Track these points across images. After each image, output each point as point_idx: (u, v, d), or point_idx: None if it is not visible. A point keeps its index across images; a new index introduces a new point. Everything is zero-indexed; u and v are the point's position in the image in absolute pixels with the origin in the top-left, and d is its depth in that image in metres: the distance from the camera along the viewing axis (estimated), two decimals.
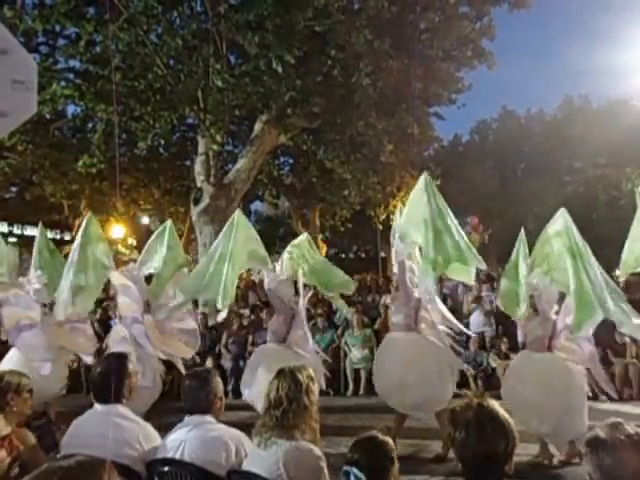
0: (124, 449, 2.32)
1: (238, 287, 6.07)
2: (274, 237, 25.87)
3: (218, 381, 2.54)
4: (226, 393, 5.65)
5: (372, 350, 7.27)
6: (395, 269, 4.95)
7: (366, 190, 12.30)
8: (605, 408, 5.63)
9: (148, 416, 3.44)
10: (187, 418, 2.43)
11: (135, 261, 5.56)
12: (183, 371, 5.38)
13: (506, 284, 4.69)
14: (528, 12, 10.96)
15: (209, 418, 2.42)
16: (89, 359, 5.49)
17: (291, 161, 15.91)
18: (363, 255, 28.52)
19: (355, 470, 1.80)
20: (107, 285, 6.27)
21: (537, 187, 21.00)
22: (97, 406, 2.49)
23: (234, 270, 4.67)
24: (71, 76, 9.67)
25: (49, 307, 5.41)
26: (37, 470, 1.16)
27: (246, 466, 2.24)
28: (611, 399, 4.82)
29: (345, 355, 7.68)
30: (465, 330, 5.25)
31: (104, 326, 7.86)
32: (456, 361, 4.77)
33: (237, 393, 6.47)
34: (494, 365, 7.14)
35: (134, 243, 20.34)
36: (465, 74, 12.24)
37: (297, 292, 5.04)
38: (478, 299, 8.49)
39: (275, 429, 2.15)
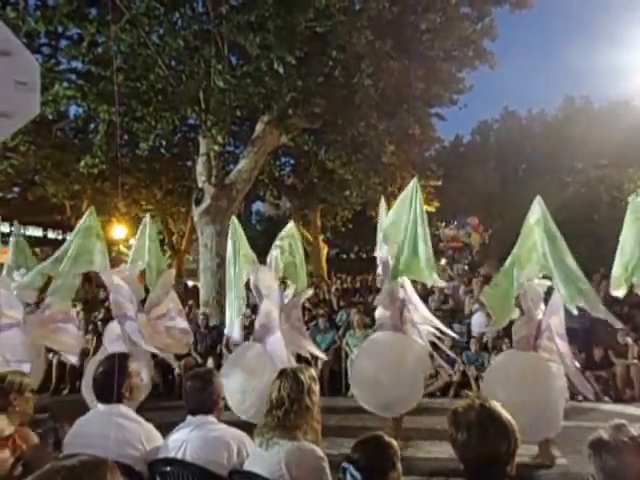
0: (126, 449, 2.32)
1: None
2: (275, 237, 25.90)
3: (220, 381, 2.56)
4: None
5: None
6: (380, 270, 4.99)
7: (367, 191, 12.31)
8: (608, 409, 5.63)
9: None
10: (189, 418, 2.44)
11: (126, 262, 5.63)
12: (177, 369, 5.43)
13: (500, 282, 4.69)
14: (529, 12, 10.96)
15: (211, 418, 2.42)
16: (74, 359, 5.50)
17: (292, 162, 15.93)
18: (364, 256, 28.52)
19: (352, 468, 1.80)
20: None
21: (538, 188, 20.85)
22: (99, 406, 2.50)
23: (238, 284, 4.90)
24: (73, 77, 9.68)
25: (34, 306, 5.43)
26: (40, 470, 1.16)
27: (248, 466, 2.24)
28: (589, 399, 4.84)
29: (346, 356, 7.68)
30: (448, 331, 5.28)
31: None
32: (428, 365, 4.80)
33: None
34: None
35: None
36: (466, 75, 12.24)
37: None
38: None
39: (277, 429, 2.15)
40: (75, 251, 5.15)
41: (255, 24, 8.35)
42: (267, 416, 2.21)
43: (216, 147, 9.60)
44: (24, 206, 16.67)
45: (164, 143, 12.26)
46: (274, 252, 5.15)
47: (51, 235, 18.66)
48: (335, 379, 7.54)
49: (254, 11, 8.27)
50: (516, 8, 10.85)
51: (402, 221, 4.70)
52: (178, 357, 7.75)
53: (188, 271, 19.71)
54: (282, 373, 2.29)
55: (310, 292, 5.72)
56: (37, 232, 18.21)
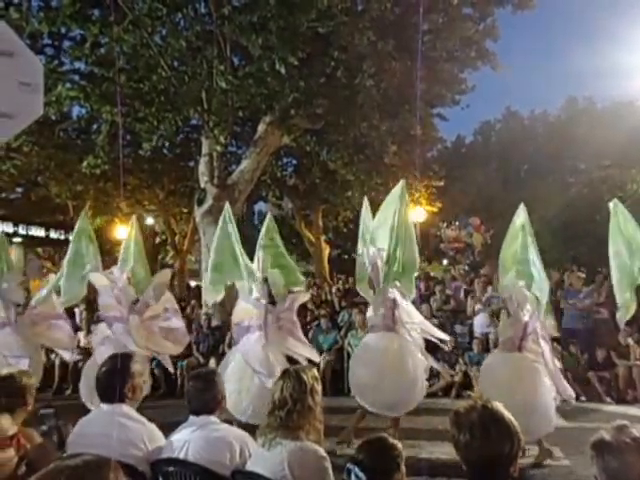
0: (129, 449, 2.33)
1: None
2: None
3: (222, 381, 2.57)
4: None
5: None
6: (369, 271, 5.00)
7: (369, 191, 12.27)
8: (611, 410, 5.63)
9: None
10: (192, 418, 2.44)
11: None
12: (171, 369, 5.43)
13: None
14: (532, 13, 10.92)
15: (213, 418, 2.43)
16: (67, 355, 5.52)
17: (294, 162, 15.94)
18: None
19: (357, 470, 1.80)
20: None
21: (541, 188, 20.93)
22: (102, 406, 2.50)
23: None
24: (76, 78, 9.71)
25: (23, 307, 5.45)
26: (44, 469, 1.16)
27: (250, 466, 2.24)
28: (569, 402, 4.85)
29: (349, 356, 7.67)
30: (438, 333, 5.29)
31: None
32: (424, 362, 4.78)
33: None
34: None
35: None
36: (468, 75, 12.22)
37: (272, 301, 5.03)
38: (486, 300, 8.46)
39: (280, 429, 2.15)
40: (72, 255, 5.22)
41: (257, 25, 8.36)
42: (270, 416, 2.21)
43: (218, 147, 9.61)
44: (27, 206, 16.73)
45: (166, 144, 12.28)
46: (259, 253, 5.16)
47: (53, 235, 18.69)
48: (337, 379, 7.55)
49: (256, 12, 8.28)
50: (518, 9, 10.82)
51: (388, 224, 4.72)
52: (182, 357, 7.82)
53: (190, 271, 19.74)
54: (285, 373, 2.29)
55: (307, 295, 5.70)
56: (40, 232, 18.26)
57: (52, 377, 7.75)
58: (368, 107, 9.54)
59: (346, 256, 29.42)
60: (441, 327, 8.14)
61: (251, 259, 5.13)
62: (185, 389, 2.57)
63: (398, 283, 4.74)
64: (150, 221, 19.38)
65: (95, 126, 12.30)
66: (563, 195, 19.39)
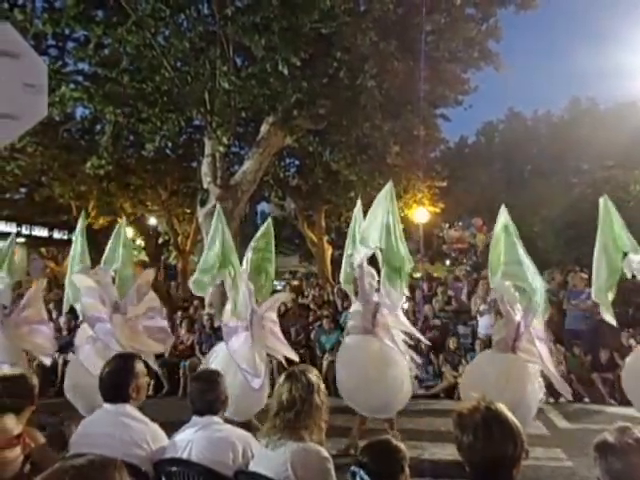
0: (132, 449, 2.34)
1: None
2: (280, 238, 25.88)
3: (225, 381, 2.57)
4: None
5: None
6: (356, 273, 5.00)
7: (372, 192, 12.27)
8: (614, 412, 5.60)
9: None
10: (195, 418, 2.45)
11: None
12: (156, 368, 5.45)
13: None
14: (534, 13, 10.90)
15: (216, 419, 2.44)
16: (48, 360, 5.53)
17: (297, 163, 15.96)
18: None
19: (362, 473, 1.80)
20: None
21: (544, 189, 20.89)
22: (106, 405, 2.51)
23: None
24: (80, 79, 9.74)
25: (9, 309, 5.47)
26: (50, 469, 1.17)
27: (253, 467, 2.25)
28: (568, 399, 4.84)
29: None
30: (421, 338, 5.26)
31: None
32: (406, 364, 4.77)
33: None
34: None
35: (142, 244, 20.46)
36: (471, 75, 12.21)
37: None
38: (491, 301, 8.43)
39: (285, 430, 2.15)
40: (73, 254, 5.31)
41: (260, 25, 8.37)
42: (275, 417, 2.20)
43: (221, 148, 9.63)
44: (31, 206, 16.79)
45: (169, 144, 12.32)
46: (248, 253, 5.18)
47: (57, 235, 18.78)
48: None
49: (259, 13, 8.30)
50: (521, 9, 10.80)
51: (380, 223, 4.72)
52: (185, 357, 7.83)
53: (193, 272, 19.72)
54: (292, 375, 2.27)
55: (288, 296, 5.73)
56: (43, 232, 18.35)
57: (56, 377, 7.75)
58: (371, 107, 9.54)
59: None
60: (444, 328, 8.19)
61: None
62: (188, 390, 2.57)
63: (388, 285, 4.72)
64: (153, 221, 19.45)
65: (99, 127, 12.35)
66: (566, 196, 19.32)
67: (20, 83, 2.46)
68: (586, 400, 6.56)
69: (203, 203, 9.98)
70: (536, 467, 4.26)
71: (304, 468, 2.07)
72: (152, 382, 7.13)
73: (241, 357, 4.54)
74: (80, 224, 5.66)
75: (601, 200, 4.61)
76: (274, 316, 5.10)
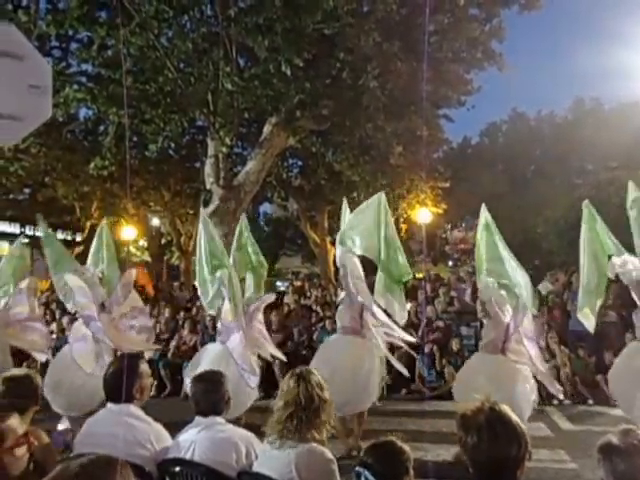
0: (136, 449, 2.34)
1: None
2: (282, 239, 25.92)
3: (227, 382, 2.57)
4: None
5: None
6: (341, 273, 5.03)
7: (375, 192, 12.26)
8: (618, 414, 5.56)
9: None
10: (198, 418, 2.45)
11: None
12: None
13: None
14: (538, 13, 10.90)
15: (219, 419, 2.44)
16: (43, 357, 5.52)
17: (300, 163, 15.98)
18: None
19: (367, 473, 1.79)
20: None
21: (547, 190, 20.83)
22: (110, 405, 2.52)
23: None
24: (83, 80, 9.80)
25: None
26: (55, 470, 1.18)
27: (257, 467, 2.25)
28: (559, 399, 4.81)
29: None
30: (407, 337, 5.25)
31: None
32: (382, 369, 4.76)
33: None
34: None
35: (145, 244, 20.52)
36: (474, 76, 12.21)
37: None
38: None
39: (295, 430, 2.15)
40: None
41: (263, 27, 8.40)
42: (284, 416, 2.19)
43: (224, 149, 9.66)
44: (34, 207, 16.85)
45: (173, 145, 12.37)
46: (235, 254, 5.22)
47: (60, 236, 18.85)
48: None
49: (262, 14, 8.32)
50: (524, 9, 10.80)
51: (372, 232, 4.79)
52: (187, 358, 7.83)
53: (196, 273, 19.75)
54: (298, 376, 2.27)
55: (272, 297, 5.76)
56: None
57: None
58: (374, 108, 9.55)
59: None
60: (447, 329, 8.17)
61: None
62: (191, 391, 2.57)
63: (390, 297, 4.74)
64: (156, 222, 19.49)
65: (102, 128, 12.41)
66: (570, 196, 19.22)
67: (25, 84, 2.47)
68: (590, 402, 6.53)
69: (206, 203, 10.02)
70: (540, 469, 4.24)
71: (308, 470, 2.07)
72: (155, 383, 7.16)
73: (239, 355, 4.57)
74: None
75: (584, 206, 4.59)
76: (261, 316, 5.21)
